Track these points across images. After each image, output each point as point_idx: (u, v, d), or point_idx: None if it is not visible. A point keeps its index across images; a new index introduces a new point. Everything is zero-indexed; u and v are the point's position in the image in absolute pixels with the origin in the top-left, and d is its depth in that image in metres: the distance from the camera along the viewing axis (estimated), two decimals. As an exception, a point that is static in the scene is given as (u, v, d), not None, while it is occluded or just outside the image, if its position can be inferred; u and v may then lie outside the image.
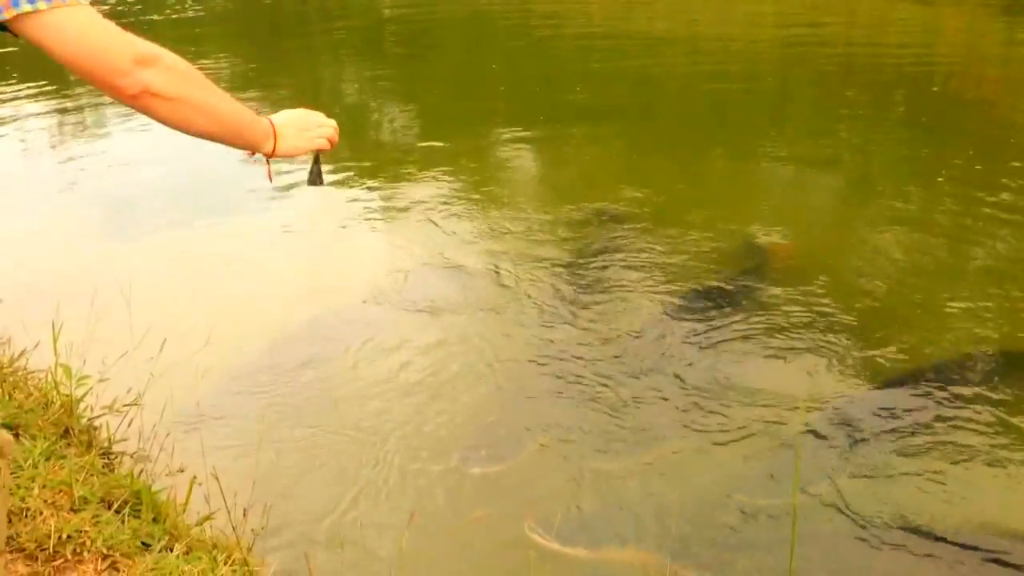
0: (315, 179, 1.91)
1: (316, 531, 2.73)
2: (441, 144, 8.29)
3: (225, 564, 2.22)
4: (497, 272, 5.08)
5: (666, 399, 3.75)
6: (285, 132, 1.77)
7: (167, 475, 2.71)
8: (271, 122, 1.76)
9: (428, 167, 7.44)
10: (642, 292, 4.83)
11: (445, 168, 7.40)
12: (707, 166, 7.64)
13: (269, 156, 1.78)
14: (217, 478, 2.40)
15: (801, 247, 5.51)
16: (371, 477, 3.03)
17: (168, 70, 1.53)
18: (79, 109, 9.65)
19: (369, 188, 6.88)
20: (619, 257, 5.32)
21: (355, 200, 6.59)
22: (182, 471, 2.62)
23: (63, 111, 9.46)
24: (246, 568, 2.24)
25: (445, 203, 6.44)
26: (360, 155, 8.01)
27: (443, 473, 3.13)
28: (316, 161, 1.90)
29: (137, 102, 1.51)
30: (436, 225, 5.98)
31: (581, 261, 5.29)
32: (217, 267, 5.09)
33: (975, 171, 6.96)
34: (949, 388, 3.86)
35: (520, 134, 8.58)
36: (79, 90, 9.95)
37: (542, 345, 4.22)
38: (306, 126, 1.82)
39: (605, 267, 5.19)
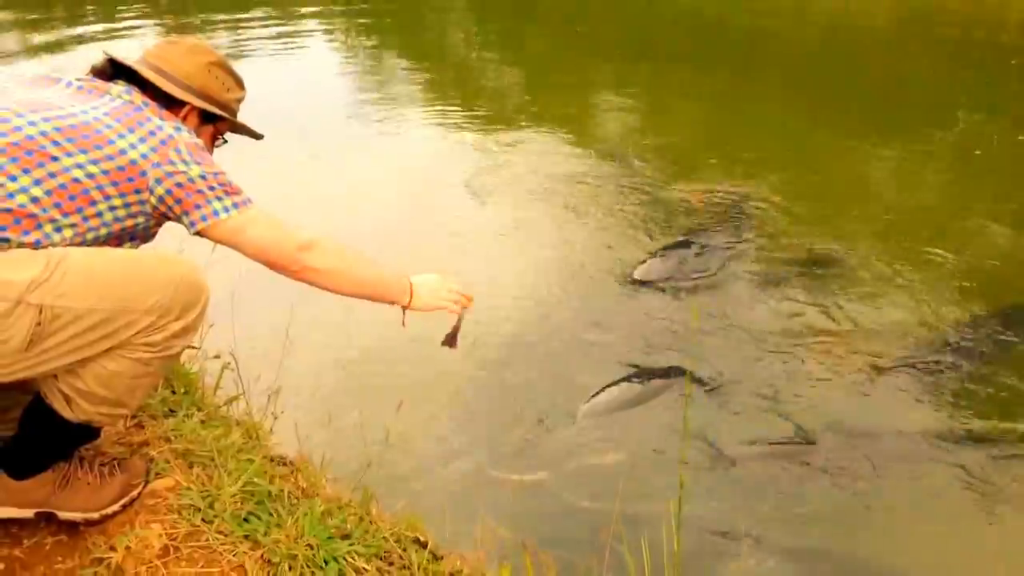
0: (448, 341, 2.26)
1: (317, 413, 2.93)
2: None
3: (236, 432, 2.45)
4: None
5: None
6: (420, 291, 2.18)
7: (206, 359, 2.96)
8: (410, 281, 2.16)
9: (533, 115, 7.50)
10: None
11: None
12: (813, 144, 7.30)
13: (405, 308, 2.17)
14: (236, 362, 2.63)
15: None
16: (369, 371, 3.22)
17: (323, 251, 1.99)
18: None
19: (475, 135, 7.02)
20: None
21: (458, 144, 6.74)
22: (218, 357, 2.87)
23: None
24: (255, 439, 2.47)
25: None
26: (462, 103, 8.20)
27: (436, 374, 3.28)
28: (456, 325, 2.24)
29: (298, 275, 1.99)
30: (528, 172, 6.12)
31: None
32: (299, 180, 5.37)
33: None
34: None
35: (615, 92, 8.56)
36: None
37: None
38: (438, 288, 2.22)
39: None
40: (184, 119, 2.12)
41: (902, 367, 3.96)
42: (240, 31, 11.15)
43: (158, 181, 1.88)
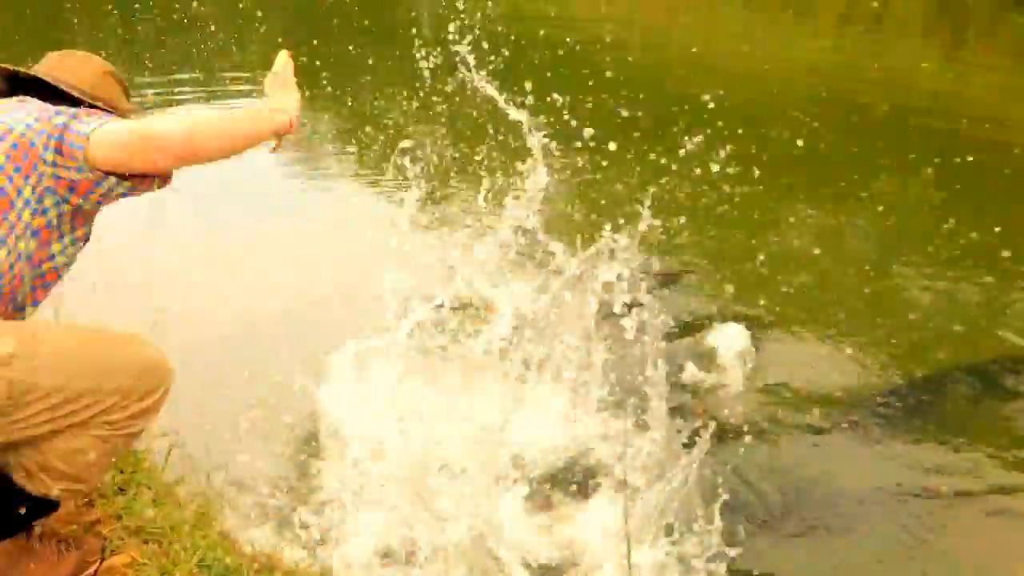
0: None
1: (269, 488, 3.00)
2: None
3: (188, 509, 2.54)
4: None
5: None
6: (284, 104, 2.15)
7: (152, 438, 3.02)
8: (271, 108, 2.13)
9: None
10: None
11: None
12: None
13: (289, 130, 2.15)
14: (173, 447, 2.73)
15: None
16: (325, 448, 3.29)
17: (186, 140, 1.93)
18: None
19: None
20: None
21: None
22: (165, 435, 2.94)
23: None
24: (208, 515, 2.56)
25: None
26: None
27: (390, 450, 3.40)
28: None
29: (176, 168, 1.98)
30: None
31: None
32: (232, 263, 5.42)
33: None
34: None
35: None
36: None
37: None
38: (282, 85, 2.20)
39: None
40: None
41: (837, 428, 4.14)
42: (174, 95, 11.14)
43: (45, 146, 1.89)
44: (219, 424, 3.14)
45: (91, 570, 2.20)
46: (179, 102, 10.88)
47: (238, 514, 2.70)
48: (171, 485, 2.77)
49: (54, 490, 1.97)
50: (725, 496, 3.31)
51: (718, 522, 3.13)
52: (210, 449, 2.93)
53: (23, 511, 2.03)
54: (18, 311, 2.04)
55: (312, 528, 2.75)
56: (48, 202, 1.94)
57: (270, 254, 5.60)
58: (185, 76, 12.59)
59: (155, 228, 5.77)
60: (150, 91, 11.38)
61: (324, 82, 10.22)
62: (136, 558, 2.26)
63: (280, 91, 2.19)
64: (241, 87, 12.36)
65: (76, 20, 13.65)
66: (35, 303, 2.09)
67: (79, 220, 2.05)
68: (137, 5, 14.15)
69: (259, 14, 14.20)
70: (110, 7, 14.24)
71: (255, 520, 2.65)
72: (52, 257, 2.02)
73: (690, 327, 5.08)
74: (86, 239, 2.13)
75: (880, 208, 7.78)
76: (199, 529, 2.43)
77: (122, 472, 2.72)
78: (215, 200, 6.35)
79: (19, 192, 1.88)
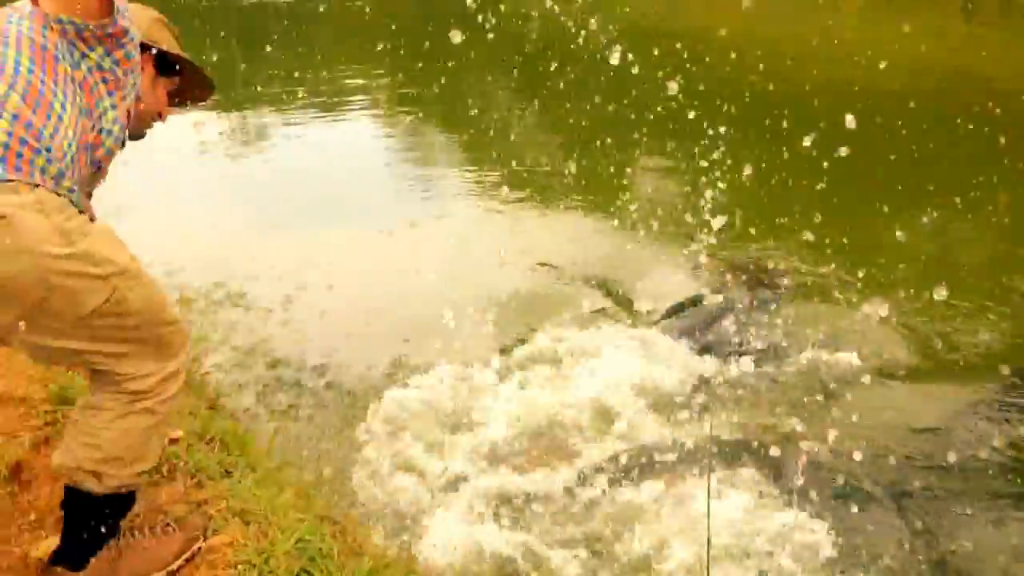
0: None
1: (364, 473, 3.07)
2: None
3: (288, 492, 2.61)
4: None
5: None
6: None
7: (258, 424, 3.14)
8: None
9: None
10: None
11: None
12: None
13: None
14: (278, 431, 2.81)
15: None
16: (413, 431, 3.34)
17: None
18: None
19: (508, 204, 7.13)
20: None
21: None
22: (270, 421, 3.04)
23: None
24: (306, 499, 2.63)
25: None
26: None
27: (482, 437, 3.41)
28: None
29: None
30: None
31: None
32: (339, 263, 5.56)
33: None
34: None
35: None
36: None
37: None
38: None
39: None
40: (142, 69, 2.17)
41: (950, 416, 3.95)
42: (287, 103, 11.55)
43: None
44: (321, 409, 3.22)
45: (196, 547, 2.29)
46: (296, 97, 11.27)
47: (335, 496, 2.75)
48: (274, 469, 2.86)
49: (126, 478, 2.04)
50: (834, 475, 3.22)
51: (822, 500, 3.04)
52: (311, 434, 3.00)
53: (105, 515, 2.11)
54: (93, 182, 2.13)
55: (403, 510, 2.78)
56: (76, 55, 1.96)
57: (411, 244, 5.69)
58: (305, 75, 13.01)
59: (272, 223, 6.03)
60: (272, 88, 11.81)
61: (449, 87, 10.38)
62: (237, 539, 2.33)
63: None
64: (355, 82, 12.68)
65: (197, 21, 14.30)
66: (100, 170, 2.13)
67: (111, 83, 2.03)
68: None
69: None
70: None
71: (351, 502, 2.69)
72: (103, 115, 2.03)
73: (802, 315, 4.94)
74: (128, 117, 2.13)
75: (999, 209, 7.36)
76: (298, 511, 2.49)
77: (230, 455, 2.84)
78: (351, 199, 6.55)
79: (56, 47, 1.92)
